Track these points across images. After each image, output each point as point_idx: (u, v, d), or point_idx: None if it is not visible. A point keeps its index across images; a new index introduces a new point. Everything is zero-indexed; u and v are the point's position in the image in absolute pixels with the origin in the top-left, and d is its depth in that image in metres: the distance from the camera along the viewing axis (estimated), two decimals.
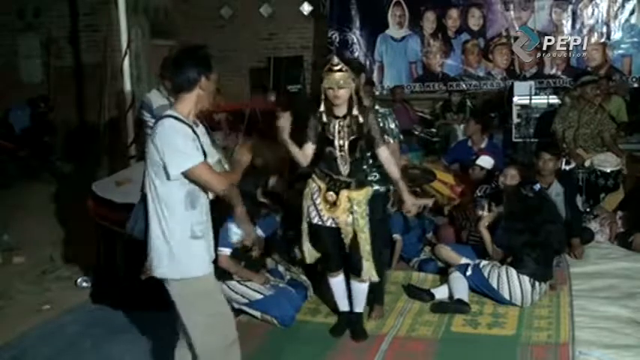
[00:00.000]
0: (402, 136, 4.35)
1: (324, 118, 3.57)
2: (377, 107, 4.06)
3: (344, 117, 3.57)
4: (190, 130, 2.65)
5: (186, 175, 2.63)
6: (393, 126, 4.10)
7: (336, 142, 3.57)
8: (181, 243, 2.69)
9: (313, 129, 3.64)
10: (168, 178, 2.63)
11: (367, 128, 3.57)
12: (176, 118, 2.65)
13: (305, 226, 3.75)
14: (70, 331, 4.10)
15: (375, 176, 4.01)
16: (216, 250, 3.03)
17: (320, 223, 3.69)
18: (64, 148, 9.50)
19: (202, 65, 2.72)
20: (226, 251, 3.99)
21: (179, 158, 2.60)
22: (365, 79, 4.13)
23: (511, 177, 4.92)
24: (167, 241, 2.70)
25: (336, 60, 3.50)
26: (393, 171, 3.72)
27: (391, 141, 4.07)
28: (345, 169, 3.60)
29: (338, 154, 3.58)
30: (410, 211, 3.95)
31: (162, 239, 2.71)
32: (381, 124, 3.99)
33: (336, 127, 3.57)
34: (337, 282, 3.88)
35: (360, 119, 3.54)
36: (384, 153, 3.67)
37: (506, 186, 4.89)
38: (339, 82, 3.46)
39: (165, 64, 5.88)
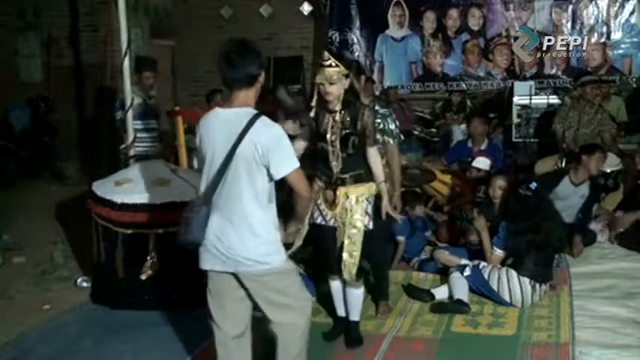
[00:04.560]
0: (402, 137, 4.33)
1: (316, 113, 3.53)
2: (377, 107, 4.01)
3: (338, 112, 3.52)
4: None
5: (287, 176, 2.71)
6: (392, 127, 4.07)
7: (328, 137, 3.52)
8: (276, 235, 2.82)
9: (307, 125, 3.61)
10: (271, 179, 2.71)
11: (362, 125, 3.51)
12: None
13: (305, 226, 3.64)
14: (70, 331, 4.09)
15: None
16: None
17: (323, 223, 3.65)
18: (64, 148, 9.49)
19: (261, 59, 2.72)
20: None
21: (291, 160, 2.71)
22: (365, 80, 4.10)
23: (499, 187, 4.90)
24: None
25: (326, 55, 3.46)
26: (379, 174, 3.65)
27: (391, 141, 4.06)
28: (336, 165, 3.54)
29: (329, 149, 3.53)
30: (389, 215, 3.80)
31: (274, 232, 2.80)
32: (381, 125, 3.98)
33: (330, 122, 3.52)
34: (335, 286, 3.82)
35: (348, 117, 3.48)
36: (372, 154, 3.61)
37: (495, 196, 4.88)
38: (330, 78, 3.42)
39: (144, 63, 5.94)
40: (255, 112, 2.70)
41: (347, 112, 3.50)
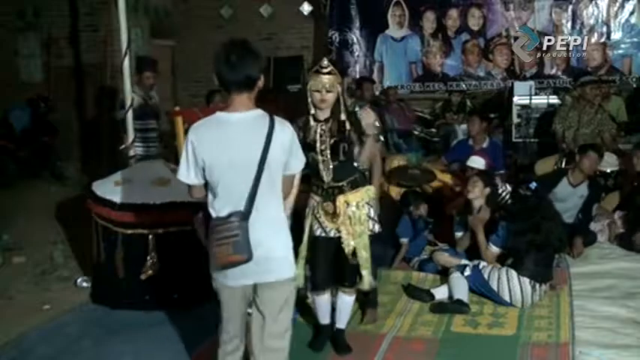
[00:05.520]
0: (381, 137, 4.27)
1: (311, 122, 3.45)
2: (356, 109, 3.93)
3: (326, 120, 3.44)
4: None
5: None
6: None
7: (318, 147, 3.43)
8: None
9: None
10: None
11: (353, 129, 3.45)
12: None
13: (304, 243, 3.57)
14: (70, 331, 4.09)
15: None
16: None
17: (323, 234, 3.55)
18: (64, 148, 9.50)
19: (260, 62, 2.64)
20: None
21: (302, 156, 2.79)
22: (347, 85, 4.04)
23: (474, 182, 4.84)
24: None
25: (325, 62, 3.40)
26: (373, 154, 3.59)
27: None
28: (327, 174, 3.46)
29: (319, 158, 3.44)
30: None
31: (288, 237, 2.76)
32: None
33: (318, 130, 3.44)
34: (323, 300, 3.71)
35: (347, 125, 3.42)
36: (369, 142, 3.53)
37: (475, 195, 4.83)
38: (327, 86, 3.36)
39: (145, 63, 5.97)
40: (266, 113, 2.67)
41: (335, 120, 3.43)
